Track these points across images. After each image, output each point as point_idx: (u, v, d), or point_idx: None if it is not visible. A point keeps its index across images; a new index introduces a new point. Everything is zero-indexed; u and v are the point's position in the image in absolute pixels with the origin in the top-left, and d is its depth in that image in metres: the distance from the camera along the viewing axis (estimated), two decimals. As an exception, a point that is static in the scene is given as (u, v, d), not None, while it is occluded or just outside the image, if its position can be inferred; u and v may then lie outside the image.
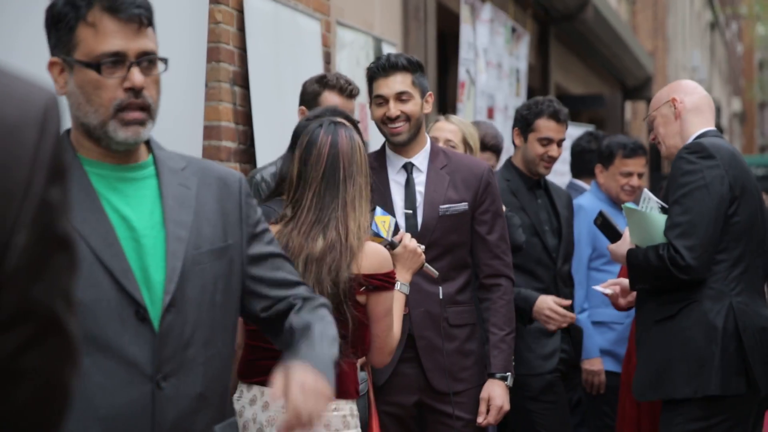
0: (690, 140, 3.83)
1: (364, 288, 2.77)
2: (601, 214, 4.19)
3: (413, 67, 3.69)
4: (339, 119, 2.85)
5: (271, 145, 4.45)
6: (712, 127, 3.89)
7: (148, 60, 2.07)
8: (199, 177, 2.18)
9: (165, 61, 2.09)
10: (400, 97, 3.64)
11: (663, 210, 3.76)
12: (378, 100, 3.67)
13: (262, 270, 2.25)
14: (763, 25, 40.17)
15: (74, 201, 2.08)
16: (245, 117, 4.49)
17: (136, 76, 2.04)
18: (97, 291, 2.04)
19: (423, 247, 3.19)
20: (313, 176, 2.78)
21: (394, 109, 3.63)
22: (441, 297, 3.63)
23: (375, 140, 4.78)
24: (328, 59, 5.25)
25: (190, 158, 2.24)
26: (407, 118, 3.64)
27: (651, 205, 3.79)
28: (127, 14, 2.04)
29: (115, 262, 2.05)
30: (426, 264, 3.20)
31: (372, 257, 2.78)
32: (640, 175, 5.27)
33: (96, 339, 2.04)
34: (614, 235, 4.07)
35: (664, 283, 3.73)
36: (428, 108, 3.73)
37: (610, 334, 5.12)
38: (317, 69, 4.94)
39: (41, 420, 1.18)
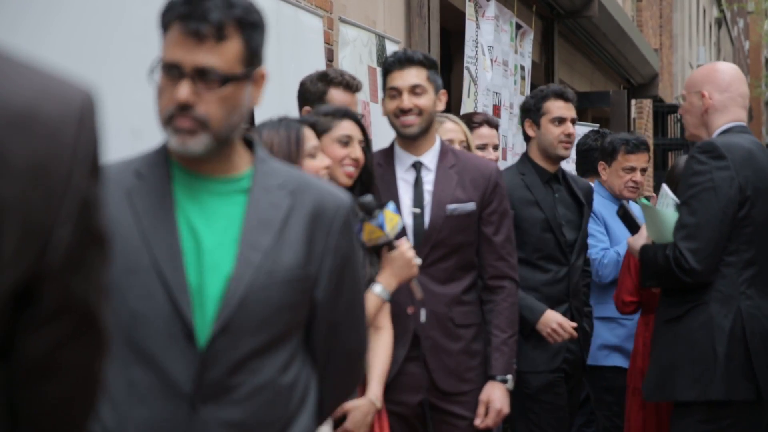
0: (715, 135, 3.79)
1: None
2: (622, 206, 4.21)
3: (429, 63, 3.71)
4: (290, 117, 2.80)
5: (274, 143, 4.42)
6: (739, 122, 3.83)
7: (207, 76, 2.00)
8: (294, 197, 2.08)
9: (224, 79, 2.00)
10: (414, 90, 3.65)
11: (678, 207, 3.73)
12: (392, 93, 3.67)
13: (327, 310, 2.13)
14: (769, 21, 40.05)
15: (150, 208, 2.06)
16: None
17: (181, 90, 1.99)
18: (151, 303, 2.02)
19: (419, 260, 3.16)
20: None
21: (407, 101, 3.63)
22: (423, 321, 3.60)
23: (380, 138, 4.75)
24: (330, 56, 5.23)
25: (295, 174, 2.15)
26: (420, 111, 3.65)
27: (667, 201, 3.77)
28: (191, 26, 1.99)
29: (174, 276, 2.01)
30: (415, 280, 3.16)
31: None
32: (643, 171, 5.24)
33: (143, 351, 2.02)
34: (634, 228, 4.09)
35: (670, 283, 3.69)
36: (441, 105, 3.74)
37: (619, 330, 5.09)
38: (320, 66, 4.91)
39: (74, 412, 1.22)
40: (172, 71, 2.00)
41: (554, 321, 4.29)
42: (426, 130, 3.69)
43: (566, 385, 4.46)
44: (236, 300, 2.01)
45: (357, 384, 2.27)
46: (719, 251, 3.63)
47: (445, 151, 3.74)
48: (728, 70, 3.92)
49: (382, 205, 3.00)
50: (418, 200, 3.68)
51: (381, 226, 2.96)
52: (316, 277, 2.08)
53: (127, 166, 2.12)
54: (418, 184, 3.70)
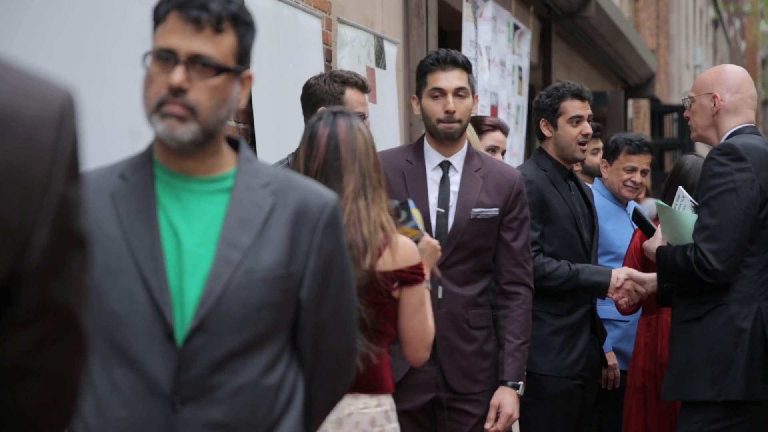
0: (725, 138, 3.78)
1: (396, 283, 2.74)
2: (636, 212, 4.20)
3: (468, 67, 3.71)
4: (340, 109, 2.81)
5: (273, 143, 4.42)
6: (749, 123, 3.82)
7: (202, 63, 2.00)
8: (278, 196, 2.07)
9: (219, 69, 2.01)
10: (458, 92, 3.64)
11: (696, 209, 3.73)
12: (435, 93, 3.65)
13: (312, 311, 2.11)
14: (766, 22, 40.10)
15: (132, 209, 2.05)
16: (246, 115, 4.48)
17: (176, 75, 1.99)
18: (131, 303, 2.02)
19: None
20: (312, 169, 2.71)
21: (453, 103, 3.62)
22: (440, 297, 3.61)
23: (378, 138, 4.75)
24: (329, 57, 5.24)
25: (280, 174, 2.13)
26: (461, 116, 3.65)
27: (684, 203, 3.76)
28: (189, 14, 2.00)
29: (154, 277, 2.01)
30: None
31: (402, 251, 2.74)
32: (644, 172, 5.23)
33: (124, 351, 2.02)
34: (650, 231, 4.07)
35: (690, 284, 3.69)
36: (475, 110, 3.76)
37: (615, 331, 5.08)
38: (318, 67, 4.91)
39: (53, 415, 1.20)
40: (165, 57, 2.01)
41: (625, 279, 4.17)
42: (462, 132, 3.71)
43: (582, 391, 4.36)
44: (213, 298, 2.01)
45: (347, 386, 2.24)
46: (741, 252, 3.62)
47: (472, 154, 3.74)
48: (738, 71, 3.91)
49: (405, 204, 3.03)
50: (443, 200, 3.68)
51: (416, 226, 2.99)
52: (301, 277, 2.07)
53: (112, 170, 2.13)
54: (444, 183, 3.70)
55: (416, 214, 3.02)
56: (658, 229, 3.91)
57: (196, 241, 2.04)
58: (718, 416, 3.63)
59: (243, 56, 2.06)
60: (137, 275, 2.02)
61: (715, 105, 3.81)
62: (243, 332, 2.03)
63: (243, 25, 2.05)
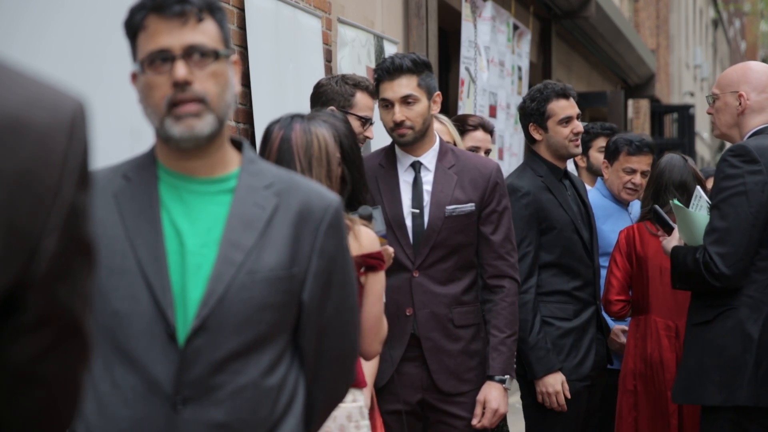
0: (747, 137, 3.74)
1: (363, 269, 2.74)
2: (655, 211, 4.19)
3: (419, 68, 3.64)
4: (304, 114, 2.79)
5: (272, 143, 4.43)
6: None
7: (199, 53, 2.02)
8: (280, 197, 2.07)
9: (216, 53, 2.03)
10: (406, 100, 3.60)
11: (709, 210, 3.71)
12: (384, 103, 3.64)
13: (315, 314, 2.12)
14: (766, 22, 40.10)
15: (135, 209, 2.06)
16: (246, 115, 4.48)
17: (178, 69, 1.99)
18: (134, 303, 2.02)
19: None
20: None
21: (399, 113, 3.59)
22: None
23: (378, 138, 4.76)
24: (329, 57, 5.24)
25: (283, 175, 2.13)
26: (412, 124, 3.62)
27: (701, 203, 3.74)
28: (170, 11, 2.00)
29: (157, 277, 2.01)
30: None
31: (365, 237, 2.76)
32: (644, 174, 5.18)
33: (125, 351, 2.03)
34: (669, 229, 4.05)
35: (700, 287, 3.66)
36: (436, 108, 3.69)
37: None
38: (318, 67, 4.92)
39: (55, 419, 1.21)
40: (162, 58, 2.01)
41: (555, 392, 4.12)
42: (423, 135, 3.67)
43: (589, 391, 4.33)
44: (215, 299, 2.01)
45: (348, 387, 2.24)
46: (749, 256, 3.58)
47: (445, 150, 3.72)
48: (764, 70, 3.84)
49: (378, 211, 3.03)
50: (417, 201, 3.67)
51: (384, 235, 3.01)
52: (303, 278, 2.07)
53: (116, 170, 2.13)
54: (416, 184, 3.68)
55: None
56: (676, 229, 3.88)
57: (198, 242, 2.05)
58: (735, 422, 3.58)
59: (227, 41, 2.08)
60: (140, 275, 2.02)
61: (740, 104, 3.76)
62: (245, 333, 2.03)
63: (218, 11, 2.07)
